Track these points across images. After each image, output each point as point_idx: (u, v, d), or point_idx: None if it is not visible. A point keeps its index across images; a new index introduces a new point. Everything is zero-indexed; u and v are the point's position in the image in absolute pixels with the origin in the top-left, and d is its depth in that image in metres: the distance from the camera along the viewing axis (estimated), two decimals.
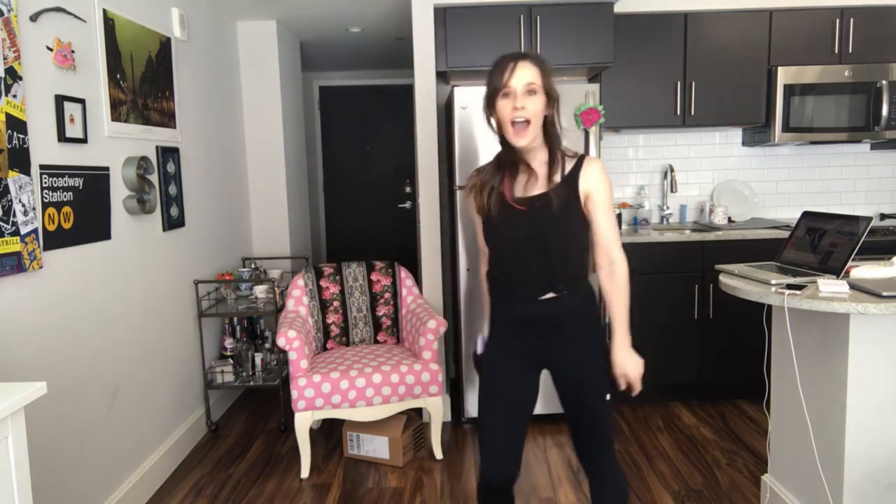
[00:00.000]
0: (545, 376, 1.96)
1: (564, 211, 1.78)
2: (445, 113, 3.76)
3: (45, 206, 2.24)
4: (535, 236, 1.80)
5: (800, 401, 2.28)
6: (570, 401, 1.92)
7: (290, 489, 2.95)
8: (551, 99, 1.78)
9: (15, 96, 2.09)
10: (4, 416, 1.41)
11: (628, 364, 1.87)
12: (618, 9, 3.62)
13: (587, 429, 1.91)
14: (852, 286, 2.01)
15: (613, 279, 1.85)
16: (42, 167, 2.23)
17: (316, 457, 3.25)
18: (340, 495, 2.89)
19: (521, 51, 1.81)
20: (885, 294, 1.89)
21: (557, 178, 1.79)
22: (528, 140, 1.77)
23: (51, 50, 2.29)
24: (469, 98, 3.34)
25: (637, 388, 1.89)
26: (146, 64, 2.97)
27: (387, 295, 3.51)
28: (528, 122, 1.74)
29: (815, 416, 2.23)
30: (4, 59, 2.04)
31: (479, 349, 2.00)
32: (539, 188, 1.80)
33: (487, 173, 1.86)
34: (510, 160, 1.82)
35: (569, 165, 1.81)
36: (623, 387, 1.89)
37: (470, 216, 1.96)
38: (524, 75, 1.73)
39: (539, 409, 3.54)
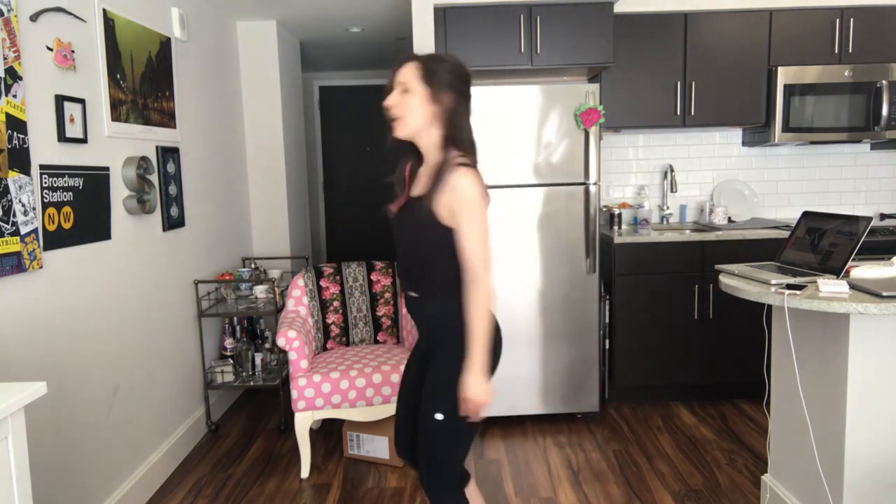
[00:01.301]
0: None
1: (425, 217, 1.75)
2: None
3: (45, 206, 2.24)
4: (404, 234, 1.86)
5: (800, 401, 2.28)
6: (419, 405, 1.86)
7: (290, 489, 2.95)
8: (437, 102, 1.77)
9: (15, 96, 2.09)
10: (4, 416, 1.41)
11: (468, 389, 1.73)
12: (618, 9, 3.62)
13: (419, 438, 1.85)
14: (852, 286, 2.01)
15: (469, 296, 1.73)
16: (42, 167, 2.23)
17: (316, 457, 3.25)
18: (340, 495, 2.89)
19: (413, 52, 1.83)
20: (885, 294, 1.89)
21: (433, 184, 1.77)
22: (403, 135, 1.82)
23: (51, 50, 2.29)
24: None
25: (473, 415, 1.76)
26: (146, 64, 2.97)
27: (387, 295, 3.51)
28: (399, 118, 1.80)
29: (815, 416, 2.23)
30: (4, 59, 2.04)
31: None
32: (421, 190, 1.81)
33: (404, 168, 1.93)
34: (413, 155, 1.89)
35: (445, 174, 1.75)
36: (465, 412, 1.76)
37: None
38: (400, 74, 1.80)
39: (539, 409, 3.56)
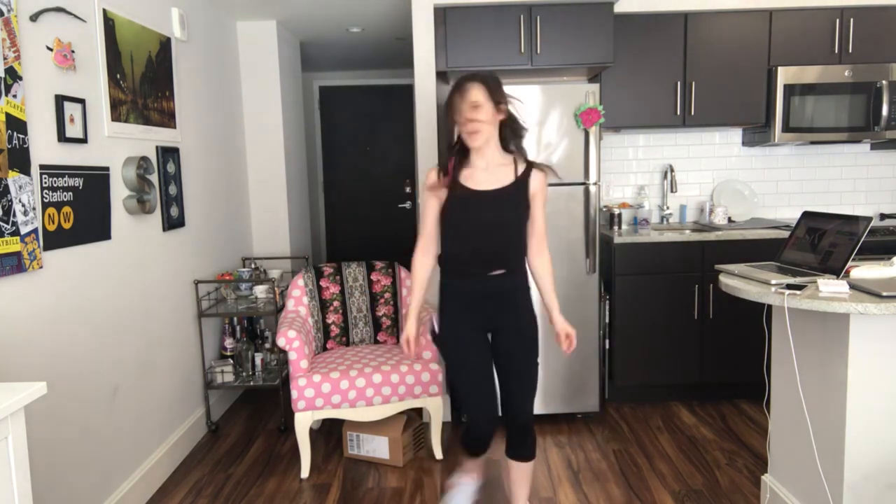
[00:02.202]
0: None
1: (522, 203, 2.22)
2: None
3: (45, 206, 2.24)
4: (495, 221, 2.22)
5: (800, 401, 2.29)
6: (513, 358, 2.31)
7: (290, 489, 2.95)
8: (499, 110, 2.19)
9: (15, 96, 2.09)
10: (4, 416, 1.41)
11: (567, 325, 2.31)
12: (618, 9, 3.62)
13: (522, 382, 2.31)
14: (852, 286, 2.01)
15: (546, 261, 2.32)
16: (42, 167, 2.23)
17: (316, 457, 3.25)
18: (340, 495, 2.89)
19: (474, 73, 2.24)
20: (885, 294, 1.89)
21: (513, 176, 2.22)
22: (479, 143, 2.19)
23: (51, 50, 2.29)
24: None
25: (574, 344, 2.30)
26: (146, 64, 2.97)
27: (387, 295, 3.51)
28: (477, 131, 2.17)
29: (815, 416, 2.23)
30: (4, 59, 2.04)
31: (437, 328, 2.37)
32: (498, 182, 2.22)
33: (448, 164, 2.28)
34: (466, 155, 2.26)
35: (521, 168, 2.23)
36: (566, 346, 2.30)
37: (425, 203, 2.33)
38: (471, 95, 2.16)
39: (539, 409, 3.57)
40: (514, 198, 2.21)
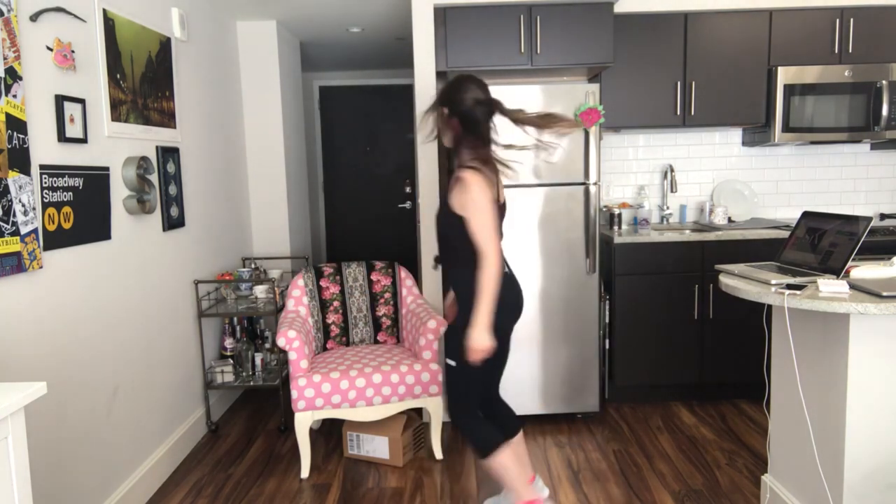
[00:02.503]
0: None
1: (445, 208, 2.30)
2: None
3: (45, 206, 2.24)
4: (435, 219, 2.42)
5: (800, 401, 2.29)
6: None
7: (290, 489, 2.95)
8: (440, 119, 2.32)
9: (15, 96, 2.09)
10: (4, 416, 1.41)
11: (470, 339, 2.21)
12: (618, 9, 3.63)
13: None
14: (852, 286, 2.01)
15: (480, 272, 2.21)
16: (42, 167, 2.23)
17: (316, 457, 3.25)
18: (340, 495, 2.89)
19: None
20: (885, 294, 1.89)
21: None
22: (446, 146, 2.38)
23: (51, 50, 2.29)
24: None
25: (473, 360, 2.24)
26: (146, 64, 2.97)
27: (387, 295, 3.51)
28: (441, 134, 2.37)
29: (815, 416, 2.23)
30: (4, 59, 2.04)
31: None
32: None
33: None
34: None
35: (455, 176, 2.28)
36: (468, 357, 2.24)
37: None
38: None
39: (539, 410, 3.57)
40: (444, 202, 2.32)
